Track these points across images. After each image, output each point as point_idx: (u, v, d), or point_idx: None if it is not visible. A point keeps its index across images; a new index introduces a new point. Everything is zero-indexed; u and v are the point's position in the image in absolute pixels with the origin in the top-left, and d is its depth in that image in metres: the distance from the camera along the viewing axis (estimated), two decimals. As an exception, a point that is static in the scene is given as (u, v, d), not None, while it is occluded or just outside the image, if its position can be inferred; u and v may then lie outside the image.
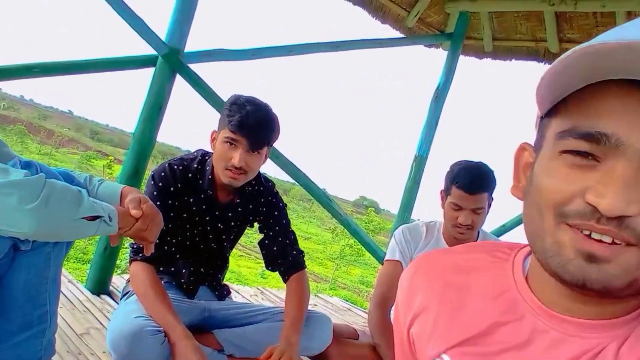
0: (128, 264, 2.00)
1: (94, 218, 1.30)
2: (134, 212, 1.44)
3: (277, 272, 2.18)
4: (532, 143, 0.74)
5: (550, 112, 0.67)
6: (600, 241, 0.60)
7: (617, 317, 0.68)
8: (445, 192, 2.18)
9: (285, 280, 2.10)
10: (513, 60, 3.95)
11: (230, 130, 1.85)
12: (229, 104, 1.90)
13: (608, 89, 0.60)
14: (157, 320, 1.81)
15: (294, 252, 2.11)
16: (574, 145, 0.62)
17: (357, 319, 3.15)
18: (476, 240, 2.26)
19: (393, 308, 2.31)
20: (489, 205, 2.21)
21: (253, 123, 1.85)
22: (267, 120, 1.90)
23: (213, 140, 1.98)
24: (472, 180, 2.09)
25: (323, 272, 12.19)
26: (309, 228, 18.83)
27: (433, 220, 2.41)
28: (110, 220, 1.34)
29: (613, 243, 0.60)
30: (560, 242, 0.63)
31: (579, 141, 0.61)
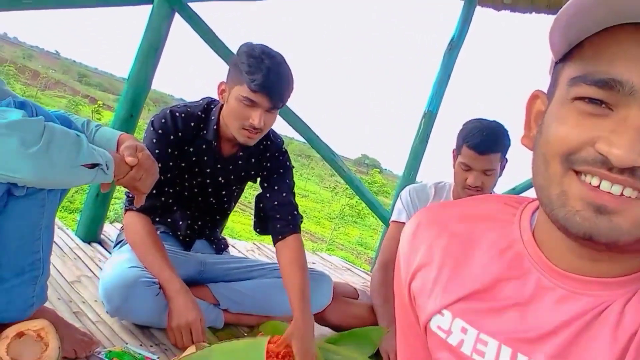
0: (122, 213, 2.02)
1: (92, 165, 1.31)
2: (129, 159, 1.44)
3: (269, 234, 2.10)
4: (546, 91, 0.74)
5: (564, 58, 0.67)
6: (609, 193, 0.61)
7: (623, 275, 0.69)
8: (457, 151, 2.19)
9: (277, 240, 2.02)
10: (533, 13, 3.86)
11: (251, 90, 1.81)
12: (244, 56, 1.85)
13: (624, 33, 0.60)
14: (152, 273, 1.84)
15: (295, 213, 2.06)
16: (587, 92, 0.62)
17: (357, 279, 3.20)
18: None
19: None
20: (503, 167, 2.21)
21: (275, 82, 1.82)
22: (286, 77, 1.87)
23: (222, 92, 1.94)
24: (483, 140, 2.08)
25: (320, 232, 12.28)
26: (307, 185, 18.88)
27: (442, 181, 2.42)
28: (107, 169, 1.35)
29: (622, 195, 0.60)
30: (567, 193, 0.64)
31: (592, 88, 0.61)
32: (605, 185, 0.61)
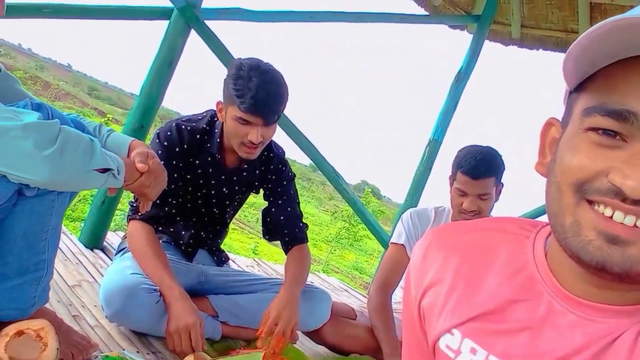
0: (126, 222, 2.00)
1: (104, 170, 1.30)
2: (139, 166, 1.43)
3: (276, 243, 2.18)
4: (560, 119, 0.73)
5: (578, 87, 0.66)
6: (622, 223, 0.60)
7: (635, 303, 0.67)
8: (452, 177, 2.20)
9: (287, 251, 2.12)
10: (540, 50, 3.91)
11: (242, 110, 1.80)
12: (233, 77, 1.83)
13: (638, 64, 0.60)
14: (153, 280, 1.82)
15: (300, 224, 2.13)
16: (601, 122, 0.61)
17: (353, 301, 3.17)
18: None
19: (397, 291, 2.32)
20: (499, 192, 2.22)
21: (265, 101, 1.80)
22: (278, 92, 1.85)
23: (220, 111, 1.94)
24: (476, 165, 2.09)
25: (317, 254, 12.23)
26: (306, 208, 18.82)
27: (442, 206, 2.42)
28: (118, 174, 1.34)
29: (635, 226, 0.60)
30: (580, 222, 0.63)
31: (606, 118, 0.60)
32: (618, 216, 0.60)
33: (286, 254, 2.12)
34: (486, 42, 3.80)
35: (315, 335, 2.18)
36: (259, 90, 1.78)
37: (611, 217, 0.60)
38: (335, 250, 12.94)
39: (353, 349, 2.19)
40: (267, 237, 2.20)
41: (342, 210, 14.76)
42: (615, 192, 0.59)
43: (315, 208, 20.47)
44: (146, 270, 1.84)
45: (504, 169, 2.19)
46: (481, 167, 2.09)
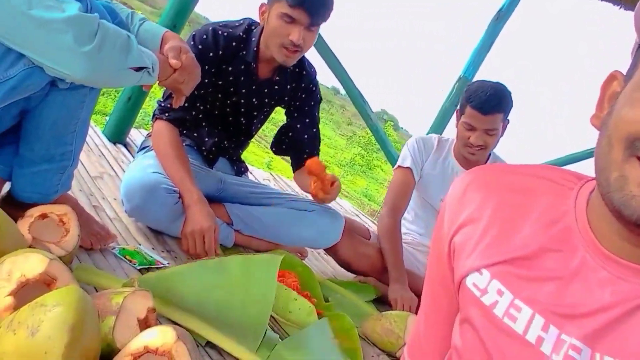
0: (152, 121, 1.99)
1: (139, 68, 1.27)
2: (173, 62, 1.40)
3: (286, 157, 2.15)
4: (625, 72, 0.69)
5: None
6: None
7: None
8: (460, 111, 2.19)
9: (299, 166, 2.09)
10: (589, -3, 3.72)
11: (288, 4, 1.77)
12: None
13: None
14: (173, 181, 1.82)
15: (318, 145, 2.13)
16: None
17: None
18: (486, 162, 2.27)
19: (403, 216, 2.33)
20: (504, 128, 2.23)
21: None
22: None
23: (263, 13, 1.89)
24: (487, 100, 2.09)
25: (328, 178, 12.27)
26: (324, 130, 18.69)
27: (446, 136, 2.43)
28: (152, 71, 1.32)
29: None
30: (626, 177, 0.61)
31: None
32: None
33: (296, 169, 2.12)
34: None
35: (328, 250, 2.22)
36: None
37: None
38: (347, 175, 12.99)
39: (362, 268, 2.23)
40: (278, 149, 2.18)
41: (359, 137, 14.71)
42: None
43: (332, 131, 20.38)
44: (167, 171, 1.85)
45: (512, 106, 2.20)
46: (491, 102, 2.09)
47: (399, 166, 2.35)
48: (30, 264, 1.02)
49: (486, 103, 2.08)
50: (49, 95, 1.31)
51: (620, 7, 3.62)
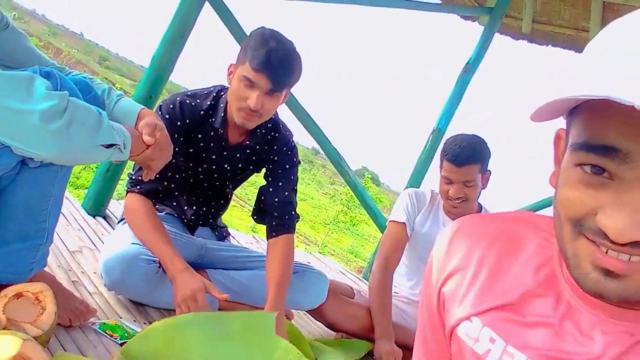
0: (124, 194, 1.97)
1: (109, 145, 1.26)
2: (146, 138, 1.38)
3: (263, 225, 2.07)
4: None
5: (572, 112, 0.63)
6: (616, 258, 0.59)
7: None
8: (440, 166, 2.20)
9: (270, 237, 1.99)
10: (550, 46, 3.85)
11: (251, 67, 1.75)
12: (252, 37, 1.80)
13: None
14: (154, 253, 1.78)
15: (292, 213, 2.03)
16: (587, 158, 0.59)
17: (348, 283, 3.15)
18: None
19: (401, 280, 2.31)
20: (487, 179, 2.23)
21: (276, 63, 1.74)
22: (290, 60, 1.80)
23: (230, 74, 1.88)
24: (460, 153, 2.09)
25: (314, 236, 12.24)
26: (306, 190, 18.85)
27: (437, 190, 2.43)
28: (124, 148, 1.30)
29: (630, 261, 0.58)
30: (578, 255, 0.62)
31: (591, 155, 0.58)
32: (612, 253, 0.59)
33: (268, 239, 2.00)
34: (497, 35, 3.75)
35: (314, 312, 2.17)
36: (273, 52, 1.74)
37: (607, 252, 0.60)
38: (332, 233, 12.95)
39: (350, 328, 2.19)
40: (255, 216, 2.11)
41: (341, 194, 14.76)
42: (604, 234, 0.58)
43: (315, 191, 20.48)
44: (146, 244, 1.80)
45: (490, 156, 2.20)
46: (464, 154, 2.09)
47: (392, 220, 2.34)
48: (2, 346, 0.98)
49: (459, 155, 2.09)
50: (20, 174, 1.29)
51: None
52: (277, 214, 1.98)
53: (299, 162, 2.12)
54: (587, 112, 0.60)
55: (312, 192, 19.65)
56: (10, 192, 1.32)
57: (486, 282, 0.76)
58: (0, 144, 1.17)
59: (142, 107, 1.50)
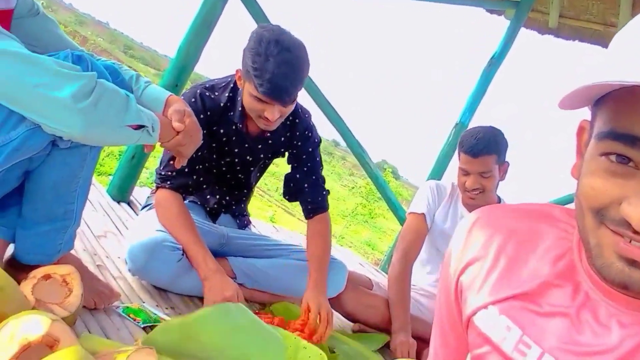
0: (154, 190, 1.99)
1: (138, 127, 1.27)
2: (176, 124, 1.40)
3: (293, 210, 2.13)
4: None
5: (598, 102, 0.63)
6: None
7: None
8: (458, 158, 2.21)
9: (309, 217, 2.09)
10: (577, 41, 3.79)
11: (259, 92, 1.70)
12: (251, 51, 1.71)
13: None
14: (186, 251, 1.80)
15: (323, 193, 2.09)
16: (613, 147, 0.59)
17: (367, 275, 3.15)
18: None
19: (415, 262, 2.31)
20: (505, 171, 2.23)
21: (282, 84, 1.69)
22: (296, 70, 1.72)
23: (239, 79, 1.85)
24: (476, 144, 2.10)
25: (332, 228, 12.23)
26: (326, 181, 18.84)
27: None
28: (152, 131, 1.31)
29: None
30: (602, 245, 0.62)
31: (617, 143, 0.58)
32: (636, 243, 0.59)
33: (306, 219, 2.10)
34: (522, 29, 3.70)
35: (333, 302, 2.18)
36: (276, 73, 1.67)
37: (630, 242, 0.59)
38: (350, 225, 12.95)
39: (367, 318, 2.19)
40: (288, 197, 2.16)
41: (361, 187, 14.74)
42: (627, 224, 0.58)
43: (334, 182, 20.47)
44: (179, 241, 1.82)
45: (507, 147, 2.20)
46: (480, 145, 2.10)
47: (412, 212, 2.34)
48: (32, 326, 1.00)
49: (475, 146, 2.10)
50: (50, 155, 1.31)
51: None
52: (310, 198, 2.07)
53: (321, 140, 2.14)
54: (614, 101, 0.60)
55: (332, 183, 19.65)
56: (41, 173, 1.34)
57: (504, 272, 0.77)
58: (31, 124, 1.19)
59: (170, 93, 1.51)
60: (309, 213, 2.08)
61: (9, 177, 1.31)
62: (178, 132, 1.41)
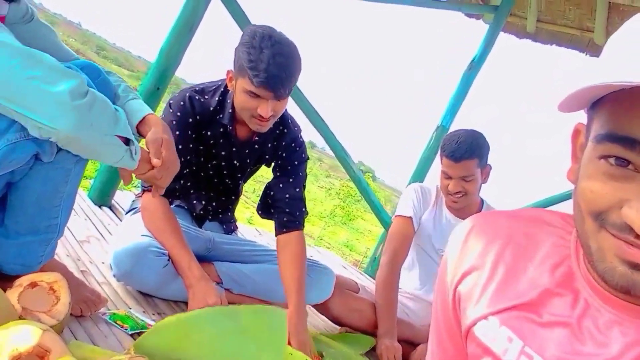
0: (139, 194, 1.95)
1: (125, 141, 1.24)
2: (154, 160, 1.33)
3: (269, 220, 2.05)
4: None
5: (594, 104, 0.63)
6: None
7: None
8: (440, 161, 2.22)
9: (280, 232, 1.98)
10: (554, 45, 3.85)
11: (253, 84, 1.70)
12: (245, 45, 1.72)
13: None
14: (171, 256, 1.78)
15: (302, 210, 2.02)
16: (611, 150, 0.58)
17: (349, 277, 3.15)
18: (479, 211, 2.26)
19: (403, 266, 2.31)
20: (487, 174, 2.24)
21: (277, 74, 1.69)
22: (290, 64, 1.73)
23: (230, 80, 1.84)
24: (457, 148, 2.11)
25: (310, 230, 12.24)
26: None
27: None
28: (134, 154, 1.27)
29: None
30: (603, 249, 0.61)
31: (616, 146, 0.58)
32: (638, 247, 0.58)
33: (277, 235, 1.99)
34: (501, 33, 3.74)
35: (319, 307, 2.17)
36: (271, 64, 1.68)
37: (632, 245, 0.59)
38: (328, 226, 12.98)
39: (354, 323, 2.19)
40: (261, 212, 2.09)
41: (338, 188, 14.77)
42: (629, 228, 0.58)
43: (311, 184, 20.45)
44: (164, 246, 1.79)
45: (488, 150, 2.21)
46: (462, 149, 2.11)
47: (399, 215, 2.34)
48: (23, 336, 0.97)
49: (457, 150, 2.11)
50: (32, 169, 1.27)
51: (586, 54, 3.77)
52: (288, 210, 1.98)
53: (308, 158, 2.11)
54: (612, 103, 0.59)
55: (309, 185, 19.56)
56: (23, 187, 1.30)
57: (503, 282, 0.76)
58: (13, 137, 1.15)
59: (150, 112, 1.43)
60: (283, 227, 1.97)
61: None
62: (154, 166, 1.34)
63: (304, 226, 2.01)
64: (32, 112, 1.10)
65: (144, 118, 1.38)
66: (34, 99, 1.09)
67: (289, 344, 1.73)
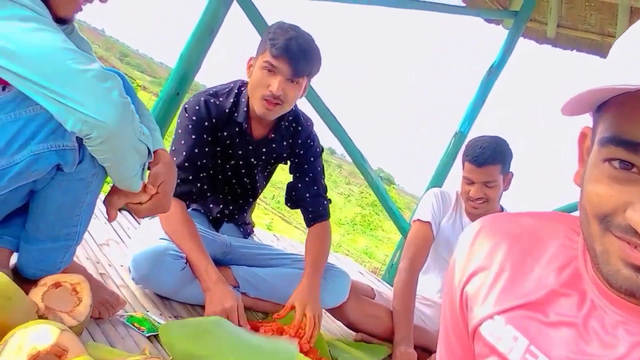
0: None
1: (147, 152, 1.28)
2: (149, 188, 1.34)
3: (291, 219, 2.15)
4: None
5: (600, 107, 0.63)
6: None
7: None
8: (462, 167, 2.21)
9: (309, 225, 2.12)
10: (574, 50, 3.83)
11: (271, 55, 1.81)
12: (272, 28, 1.88)
13: None
14: (190, 262, 1.81)
15: (324, 202, 2.11)
16: (615, 153, 0.59)
17: (366, 283, 3.15)
18: None
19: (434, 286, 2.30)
20: (509, 181, 2.23)
21: (296, 49, 1.81)
22: (310, 48, 1.87)
23: (250, 67, 1.93)
24: (481, 153, 2.11)
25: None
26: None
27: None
28: (143, 173, 1.30)
29: None
30: (608, 252, 0.62)
31: (620, 149, 0.58)
32: None
33: (307, 227, 2.13)
34: (520, 38, 3.73)
35: (335, 312, 2.17)
36: (293, 39, 1.82)
37: (636, 248, 0.59)
38: (347, 234, 12.95)
39: (370, 328, 2.18)
40: (289, 205, 2.18)
41: (357, 195, 14.75)
42: (633, 231, 0.58)
43: (330, 191, 20.39)
44: (181, 249, 1.82)
45: (511, 157, 2.21)
46: (485, 154, 2.11)
47: (418, 220, 2.33)
48: (41, 335, 0.99)
49: (480, 156, 2.11)
50: (54, 179, 1.30)
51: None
52: (311, 208, 2.09)
53: (322, 149, 2.16)
54: (617, 106, 0.60)
55: (328, 192, 19.67)
56: (45, 196, 1.32)
57: (509, 282, 0.76)
58: (37, 149, 1.18)
59: (162, 147, 1.44)
60: (310, 221, 2.11)
61: (13, 198, 1.29)
62: (148, 198, 1.35)
63: (329, 215, 2.14)
64: (80, 105, 1.12)
65: (155, 151, 1.39)
66: (85, 91, 1.12)
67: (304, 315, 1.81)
